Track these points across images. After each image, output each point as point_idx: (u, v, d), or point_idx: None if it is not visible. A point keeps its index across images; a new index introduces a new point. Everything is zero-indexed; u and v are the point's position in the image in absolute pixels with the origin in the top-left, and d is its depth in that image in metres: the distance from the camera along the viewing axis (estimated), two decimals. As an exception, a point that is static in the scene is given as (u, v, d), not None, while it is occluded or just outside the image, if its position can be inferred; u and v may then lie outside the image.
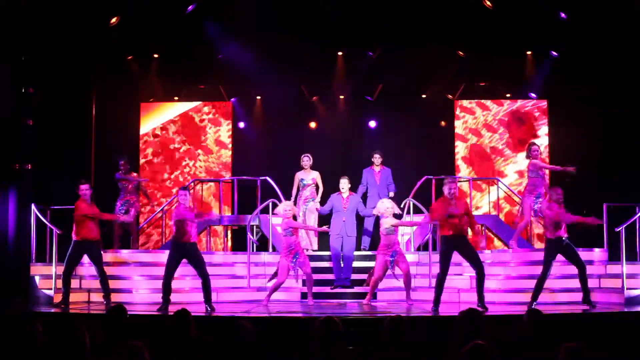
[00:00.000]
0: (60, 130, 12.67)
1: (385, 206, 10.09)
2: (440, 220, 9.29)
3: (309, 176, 11.99)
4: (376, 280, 10.16)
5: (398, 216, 10.88)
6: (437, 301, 9.20)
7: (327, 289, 11.14)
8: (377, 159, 12.23)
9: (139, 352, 3.81)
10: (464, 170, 14.33)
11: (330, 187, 11.95)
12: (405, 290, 10.24)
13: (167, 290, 9.34)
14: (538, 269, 10.53)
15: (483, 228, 12.54)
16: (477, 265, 9.29)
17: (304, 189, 12.01)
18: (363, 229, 12.05)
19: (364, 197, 12.01)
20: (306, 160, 12.05)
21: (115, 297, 10.03)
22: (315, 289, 10.70)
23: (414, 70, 13.71)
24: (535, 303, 9.30)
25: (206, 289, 9.37)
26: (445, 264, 9.26)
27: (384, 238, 10.07)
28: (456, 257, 11.40)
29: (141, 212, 13.53)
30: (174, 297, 10.38)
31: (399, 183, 12.32)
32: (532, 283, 10.35)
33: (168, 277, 9.39)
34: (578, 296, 10.06)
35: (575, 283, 10.05)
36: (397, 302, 10.60)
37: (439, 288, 9.27)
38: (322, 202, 11.90)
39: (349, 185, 11.41)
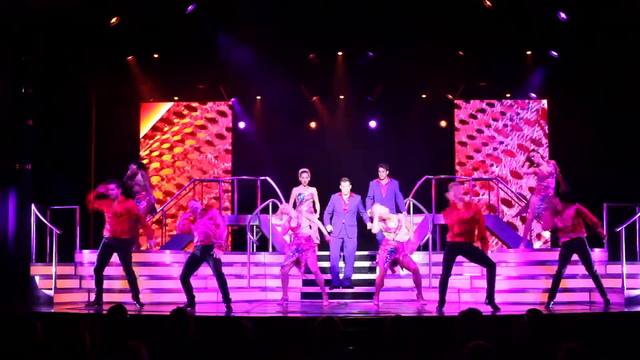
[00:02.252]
0: (60, 130, 12.66)
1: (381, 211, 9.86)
2: (450, 227, 9.25)
3: (306, 192, 11.55)
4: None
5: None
6: (441, 302, 9.22)
7: (326, 289, 11.14)
8: (382, 172, 11.63)
9: (138, 352, 3.81)
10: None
11: (330, 187, 11.91)
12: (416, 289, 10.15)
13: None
14: (538, 269, 10.55)
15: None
16: (488, 265, 9.25)
17: (301, 204, 11.48)
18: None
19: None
20: (305, 175, 11.58)
21: (114, 297, 10.02)
22: (314, 289, 10.71)
23: (414, 70, 13.70)
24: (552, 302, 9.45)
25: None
26: (447, 265, 9.28)
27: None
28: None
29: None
30: (174, 297, 10.39)
31: (399, 183, 12.24)
32: (531, 283, 10.38)
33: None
34: (578, 296, 10.07)
35: (576, 283, 10.06)
36: (398, 302, 10.59)
37: (443, 288, 9.27)
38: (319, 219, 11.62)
39: (350, 187, 11.37)
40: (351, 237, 11.27)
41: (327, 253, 11.44)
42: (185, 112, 15.12)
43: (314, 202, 11.66)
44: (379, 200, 11.51)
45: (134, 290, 9.79)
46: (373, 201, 11.57)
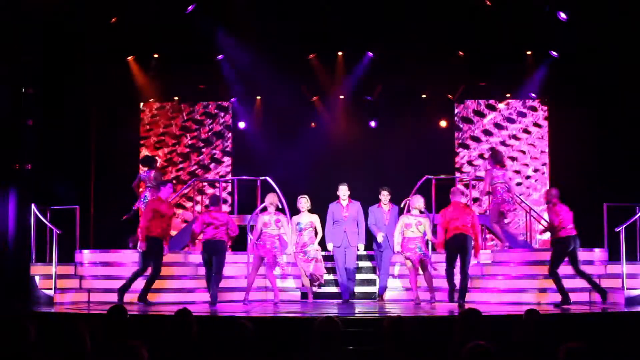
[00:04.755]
0: (60, 130, 12.66)
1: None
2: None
3: (305, 219, 10.77)
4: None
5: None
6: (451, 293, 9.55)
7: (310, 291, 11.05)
8: (385, 196, 11.00)
9: (138, 352, 3.81)
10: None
11: (329, 188, 11.83)
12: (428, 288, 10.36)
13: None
14: (537, 269, 10.54)
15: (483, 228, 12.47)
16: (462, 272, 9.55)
17: (300, 233, 10.74)
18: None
19: (371, 236, 11.20)
20: (303, 201, 10.79)
21: (113, 297, 10.01)
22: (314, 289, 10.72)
23: (414, 70, 13.69)
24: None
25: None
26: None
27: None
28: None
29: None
30: (173, 297, 10.39)
31: (399, 183, 12.20)
32: (531, 283, 10.37)
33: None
34: (578, 296, 10.07)
35: (575, 283, 10.05)
36: (398, 302, 10.59)
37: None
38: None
39: (348, 193, 10.97)
40: (353, 245, 10.84)
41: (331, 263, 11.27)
42: (185, 112, 15.12)
43: (315, 231, 10.85)
44: (381, 228, 11.02)
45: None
46: (377, 227, 11.07)
